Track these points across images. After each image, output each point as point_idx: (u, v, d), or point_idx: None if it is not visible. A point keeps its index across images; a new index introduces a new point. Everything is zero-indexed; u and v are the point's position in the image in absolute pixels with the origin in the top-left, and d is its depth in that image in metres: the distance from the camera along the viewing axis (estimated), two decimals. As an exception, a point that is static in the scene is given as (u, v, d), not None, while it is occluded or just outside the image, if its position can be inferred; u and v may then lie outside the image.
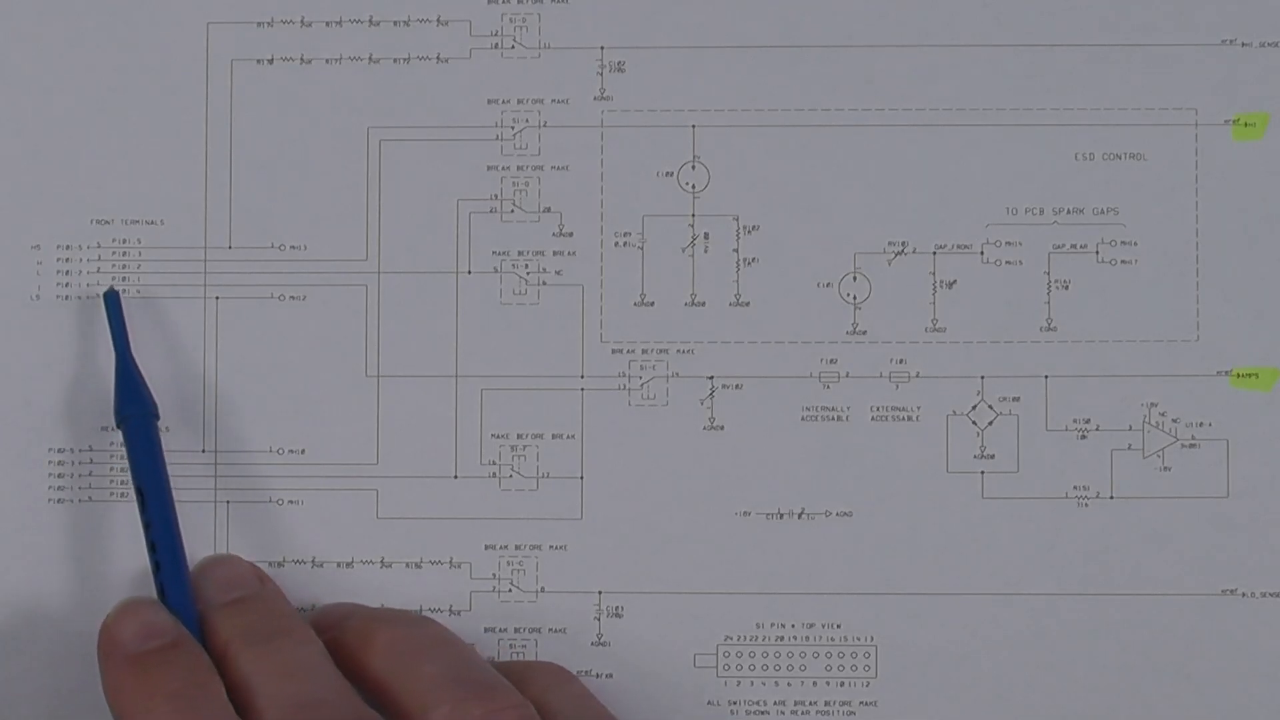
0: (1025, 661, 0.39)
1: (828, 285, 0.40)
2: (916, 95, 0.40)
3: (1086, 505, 0.40)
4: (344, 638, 0.37)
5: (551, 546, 0.40)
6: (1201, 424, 0.40)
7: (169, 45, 0.40)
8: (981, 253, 0.40)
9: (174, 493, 0.40)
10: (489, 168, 0.40)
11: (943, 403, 0.40)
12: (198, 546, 0.40)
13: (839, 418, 0.40)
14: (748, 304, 0.40)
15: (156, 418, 0.39)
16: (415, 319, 0.40)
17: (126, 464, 0.39)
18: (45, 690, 0.40)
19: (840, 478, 0.40)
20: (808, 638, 0.40)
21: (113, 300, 0.39)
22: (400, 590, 0.40)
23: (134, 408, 0.39)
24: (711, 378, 0.40)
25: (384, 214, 0.40)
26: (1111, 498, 0.40)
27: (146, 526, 0.38)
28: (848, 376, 0.40)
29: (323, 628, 0.38)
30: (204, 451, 0.40)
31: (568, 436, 0.40)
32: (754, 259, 0.40)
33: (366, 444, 0.40)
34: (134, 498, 0.38)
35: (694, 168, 0.40)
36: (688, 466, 0.40)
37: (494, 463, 0.40)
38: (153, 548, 0.38)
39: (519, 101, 0.40)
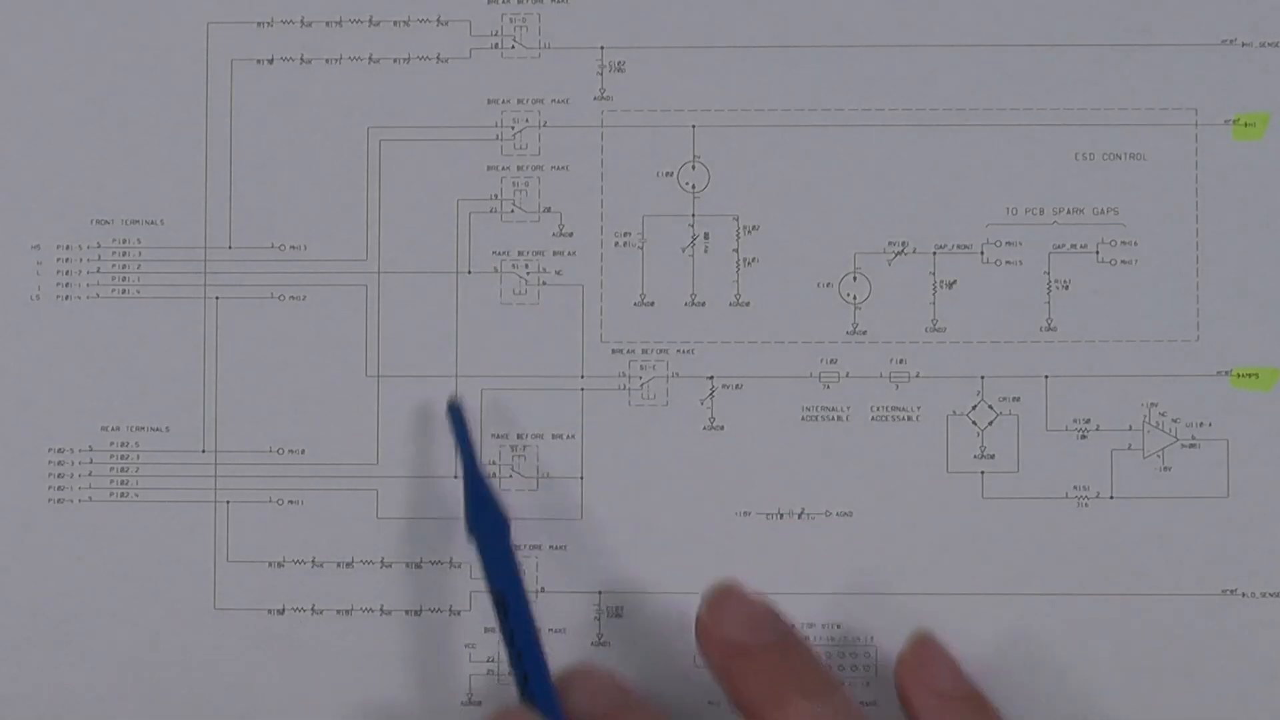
0: (1025, 661, 0.39)
1: (828, 285, 0.40)
2: (916, 95, 0.40)
3: (1086, 505, 0.40)
4: (752, 677, 0.36)
5: (551, 546, 0.40)
6: (1201, 424, 0.40)
7: (169, 45, 0.40)
8: (981, 253, 0.40)
9: (174, 493, 0.40)
10: (489, 168, 0.40)
11: (943, 403, 0.40)
12: (198, 546, 0.40)
13: (839, 418, 0.40)
14: (748, 304, 0.40)
15: (508, 525, 0.38)
16: (415, 319, 0.40)
17: (126, 464, 0.39)
18: (45, 690, 0.40)
19: (840, 478, 0.40)
20: (808, 637, 0.40)
21: (456, 413, 0.39)
22: (400, 590, 0.40)
23: (487, 522, 0.38)
24: (711, 378, 0.40)
25: (384, 214, 0.40)
26: (1111, 498, 0.40)
27: (509, 636, 0.37)
28: (848, 376, 0.40)
29: (721, 645, 0.37)
30: (204, 451, 0.40)
31: (568, 436, 0.40)
32: (754, 259, 0.40)
33: (366, 444, 0.40)
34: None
35: (694, 168, 0.40)
36: (688, 466, 0.40)
37: (494, 463, 0.40)
38: (518, 658, 0.37)
39: (519, 101, 0.40)
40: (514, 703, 0.37)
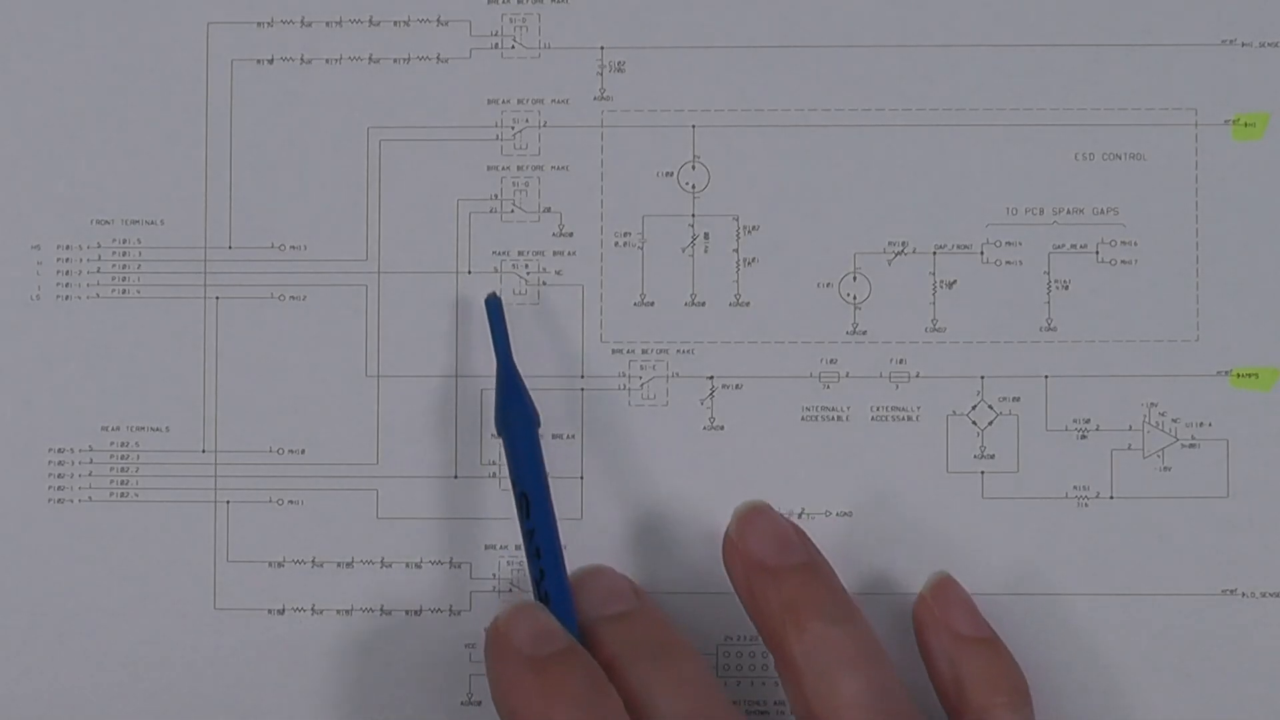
0: (1026, 661, 0.39)
1: (828, 285, 0.40)
2: (916, 95, 0.40)
3: (1086, 505, 0.40)
4: (772, 594, 0.37)
5: (551, 546, 0.40)
6: (1201, 424, 0.40)
7: (169, 45, 0.40)
8: (981, 253, 0.40)
9: (174, 493, 0.40)
10: (489, 168, 0.40)
11: (943, 403, 0.40)
12: (198, 546, 0.40)
13: (839, 418, 0.40)
14: (748, 304, 0.40)
15: (538, 424, 0.39)
16: (415, 319, 0.40)
17: (127, 464, 0.39)
18: (45, 690, 0.40)
19: (840, 478, 0.40)
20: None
21: (495, 306, 0.39)
22: (400, 590, 0.40)
23: (517, 415, 0.38)
24: (711, 378, 0.40)
25: (384, 214, 0.40)
26: (1111, 498, 0.40)
27: (529, 534, 0.37)
28: (848, 376, 0.40)
29: (746, 561, 0.37)
30: (204, 451, 0.40)
31: (568, 436, 0.40)
32: (754, 259, 0.40)
33: (366, 444, 0.40)
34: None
35: (694, 168, 0.40)
36: (688, 466, 0.40)
37: (494, 463, 0.40)
38: (536, 554, 0.37)
39: (519, 101, 0.40)
40: (529, 599, 0.37)
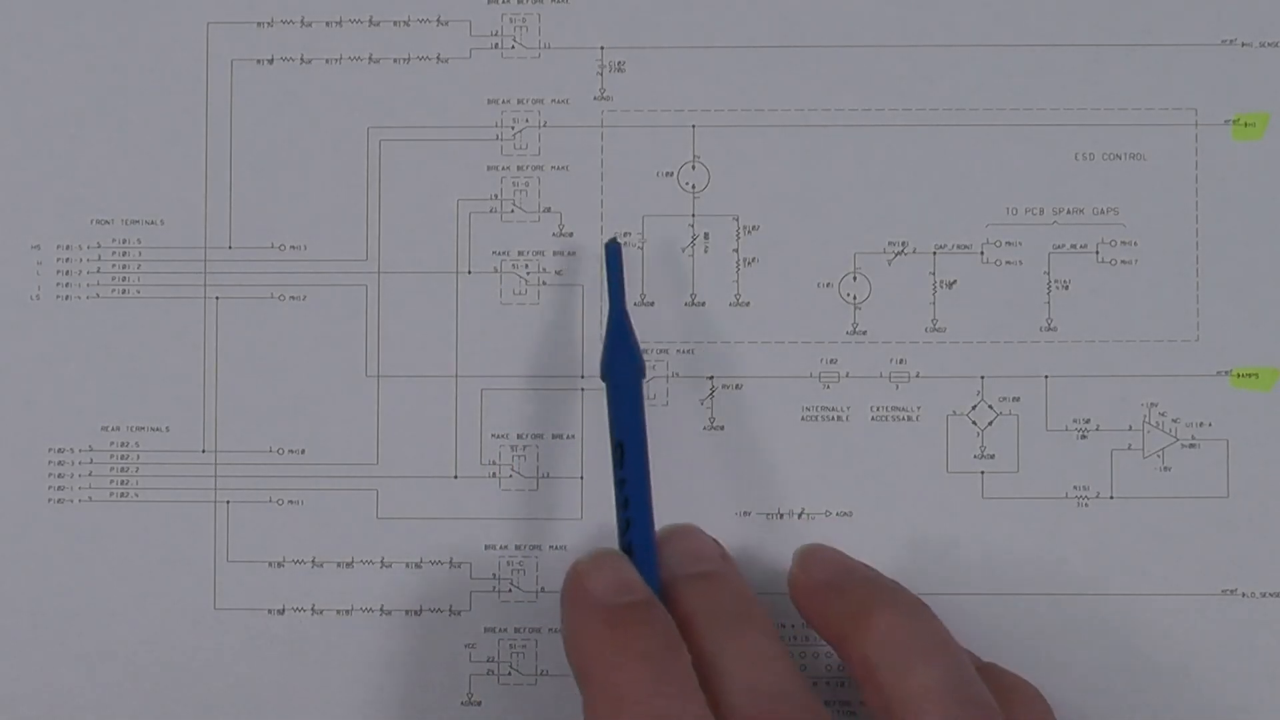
0: (1025, 661, 0.39)
1: (828, 285, 0.40)
2: (916, 95, 0.40)
3: (1086, 505, 0.40)
4: (839, 604, 0.37)
5: (551, 546, 0.40)
6: (1201, 424, 0.40)
7: (169, 45, 0.40)
8: (981, 253, 0.40)
9: (174, 493, 0.40)
10: (489, 168, 0.40)
11: (943, 403, 0.40)
12: (198, 546, 0.40)
13: (839, 418, 0.40)
14: (748, 304, 0.40)
15: (643, 375, 0.39)
16: (415, 319, 0.40)
17: (127, 464, 0.39)
18: (45, 690, 0.40)
19: (840, 478, 0.40)
20: (808, 637, 0.40)
21: (614, 251, 0.39)
22: (400, 590, 0.40)
23: (623, 362, 0.38)
24: (711, 378, 0.40)
25: (384, 214, 0.40)
26: (1111, 498, 0.40)
27: (620, 484, 0.37)
28: (848, 376, 0.40)
29: (810, 585, 0.37)
30: (204, 451, 0.40)
31: (568, 436, 0.40)
32: (754, 259, 0.40)
33: (366, 444, 0.40)
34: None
35: (694, 168, 0.40)
36: (688, 466, 0.40)
37: (494, 463, 0.40)
38: (624, 504, 0.37)
39: (519, 101, 0.40)
40: (612, 547, 0.37)
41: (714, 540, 0.39)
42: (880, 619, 0.36)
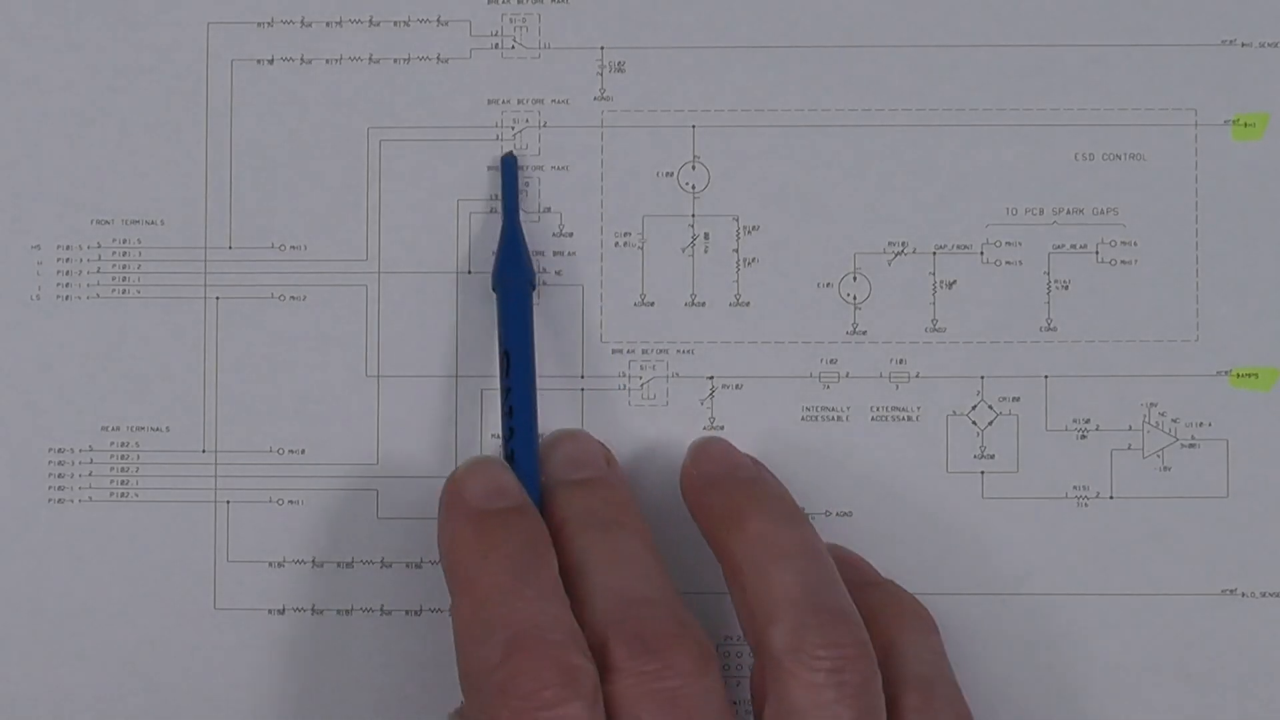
0: (1025, 661, 0.39)
1: (828, 285, 0.40)
2: (916, 95, 0.40)
3: (1086, 505, 0.40)
4: (719, 501, 0.37)
5: (551, 546, 0.40)
6: (1201, 424, 0.40)
7: (169, 45, 0.40)
8: (981, 253, 0.40)
9: (174, 493, 0.40)
10: (489, 168, 0.40)
11: (943, 403, 0.40)
12: (198, 546, 0.40)
13: (839, 418, 0.40)
14: (748, 304, 0.40)
15: (533, 287, 0.39)
16: (415, 319, 0.40)
17: (127, 464, 0.39)
18: (45, 690, 0.40)
19: (840, 478, 0.40)
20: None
21: (510, 164, 0.39)
22: (400, 590, 0.40)
23: (513, 273, 0.39)
24: (711, 378, 0.40)
25: (384, 214, 0.40)
26: (1111, 498, 0.40)
27: (506, 392, 0.38)
28: (848, 376, 0.40)
29: (698, 480, 0.37)
30: (204, 451, 0.40)
31: (568, 436, 0.40)
32: (754, 259, 0.40)
33: (366, 444, 0.40)
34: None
35: (694, 168, 0.40)
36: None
37: (494, 463, 0.40)
38: (509, 413, 0.37)
39: (519, 101, 0.40)
40: (492, 455, 0.37)
41: (601, 445, 0.39)
42: (752, 522, 0.36)
